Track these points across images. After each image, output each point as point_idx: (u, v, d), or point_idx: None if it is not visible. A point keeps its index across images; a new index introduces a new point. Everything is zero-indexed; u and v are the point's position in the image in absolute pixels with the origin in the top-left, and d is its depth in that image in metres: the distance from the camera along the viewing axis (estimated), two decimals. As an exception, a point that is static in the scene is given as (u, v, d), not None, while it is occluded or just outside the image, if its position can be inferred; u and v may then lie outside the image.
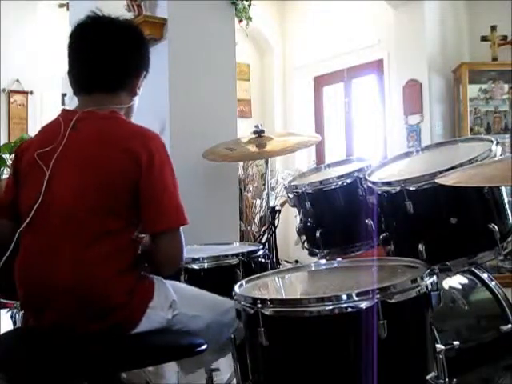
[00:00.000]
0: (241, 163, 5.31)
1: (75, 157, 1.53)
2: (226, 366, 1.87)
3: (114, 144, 1.53)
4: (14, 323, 2.55)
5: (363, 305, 1.28)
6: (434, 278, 1.41)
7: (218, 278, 2.04)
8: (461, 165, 1.69)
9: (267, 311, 1.35)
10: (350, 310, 1.29)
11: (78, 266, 1.47)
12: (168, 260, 1.58)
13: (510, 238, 1.79)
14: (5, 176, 3.85)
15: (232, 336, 1.58)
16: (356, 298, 1.29)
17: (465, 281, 2.04)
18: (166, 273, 1.66)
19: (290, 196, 2.36)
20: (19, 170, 1.62)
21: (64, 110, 1.66)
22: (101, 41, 1.62)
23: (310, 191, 2.23)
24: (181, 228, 1.55)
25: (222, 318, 1.67)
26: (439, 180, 1.59)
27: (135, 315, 1.52)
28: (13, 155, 1.76)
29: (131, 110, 1.71)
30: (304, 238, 2.34)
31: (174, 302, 1.60)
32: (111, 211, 1.50)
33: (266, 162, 3.22)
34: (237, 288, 1.52)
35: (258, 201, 5.65)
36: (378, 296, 1.29)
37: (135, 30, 1.72)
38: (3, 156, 4.28)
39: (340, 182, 2.18)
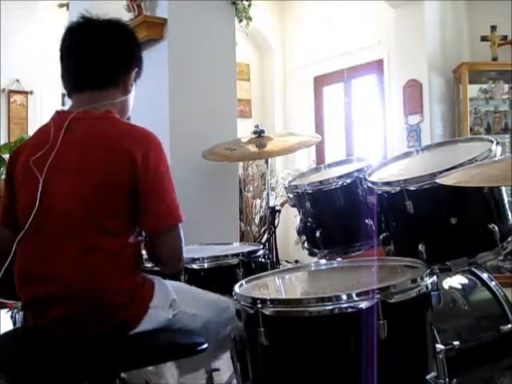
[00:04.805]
0: (241, 163, 5.31)
1: (70, 159, 1.53)
2: (226, 366, 1.87)
3: (108, 144, 1.53)
4: (14, 323, 2.55)
5: (363, 305, 1.28)
6: (434, 277, 1.41)
7: (217, 277, 2.04)
8: (461, 165, 1.69)
9: (267, 311, 1.35)
10: (349, 310, 1.29)
11: (79, 267, 1.47)
12: (168, 258, 1.59)
13: (509, 238, 1.79)
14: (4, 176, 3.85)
15: (232, 336, 1.58)
16: (356, 298, 1.29)
17: (465, 281, 2.04)
18: (168, 271, 1.67)
19: (290, 196, 2.36)
20: (14, 175, 1.61)
21: (57, 112, 1.65)
22: (87, 40, 1.64)
23: (310, 191, 2.23)
24: (179, 225, 1.55)
25: (219, 316, 1.67)
26: (439, 180, 1.59)
27: (136, 315, 1.52)
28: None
29: (125, 108, 1.70)
30: (304, 238, 2.34)
31: (174, 301, 1.60)
32: (109, 212, 1.50)
33: (266, 162, 3.22)
34: (237, 288, 1.52)
35: (258, 201, 5.65)
36: (378, 296, 1.29)
37: (122, 27, 1.72)
38: (3, 156, 4.28)
39: (340, 182, 2.18)
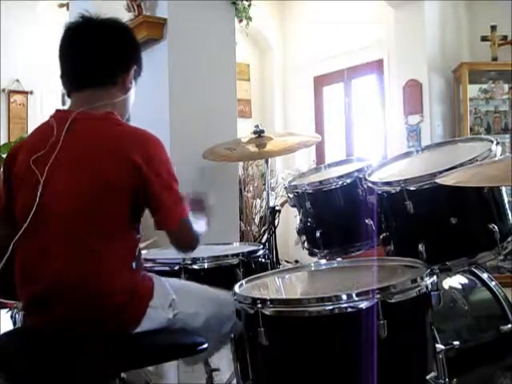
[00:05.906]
0: (241, 163, 5.31)
1: (70, 160, 1.52)
2: (226, 366, 1.87)
3: (110, 147, 1.52)
4: (14, 323, 2.55)
5: (363, 305, 1.28)
6: (434, 277, 1.41)
7: (218, 277, 2.04)
8: (461, 165, 1.69)
9: (267, 311, 1.35)
10: (349, 309, 1.29)
11: (76, 268, 1.47)
12: (184, 247, 1.66)
13: (509, 238, 1.79)
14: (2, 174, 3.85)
15: (232, 336, 1.58)
16: (356, 298, 1.29)
17: (465, 281, 2.04)
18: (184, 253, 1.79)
19: (290, 196, 2.36)
20: (13, 173, 1.60)
21: (57, 111, 1.65)
22: (86, 38, 1.64)
23: (310, 191, 2.23)
24: (188, 216, 1.57)
25: (222, 310, 1.66)
26: (439, 180, 1.59)
27: (136, 315, 1.52)
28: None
29: (125, 107, 1.70)
30: (304, 238, 2.34)
31: (173, 301, 1.60)
32: (108, 214, 1.50)
33: (266, 162, 3.21)
34: (237, 288, 1.52)
35: (258, 201, 5.65)
36: (378, 296, 1.29)
37: (119, 26, 1.72)
38: (3, 156, 4.28)
39: (340, 182, 2.18)
